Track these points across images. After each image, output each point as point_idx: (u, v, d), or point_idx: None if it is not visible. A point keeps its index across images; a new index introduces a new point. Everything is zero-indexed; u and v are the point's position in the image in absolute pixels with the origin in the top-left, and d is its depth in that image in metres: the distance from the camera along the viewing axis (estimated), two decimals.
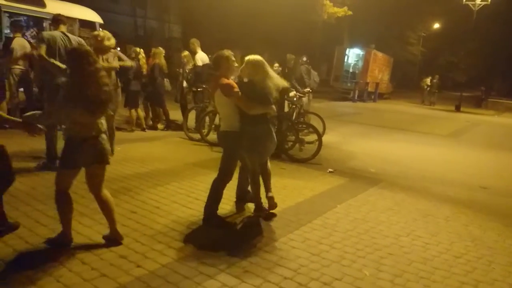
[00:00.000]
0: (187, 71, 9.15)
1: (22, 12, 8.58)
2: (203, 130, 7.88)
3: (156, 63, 8.53)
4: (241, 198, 4.63)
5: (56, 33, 5.16)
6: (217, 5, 27.33)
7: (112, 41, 5.91)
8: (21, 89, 7.77)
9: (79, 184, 4.76)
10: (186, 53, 9.35)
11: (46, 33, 5.27)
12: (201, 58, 8.68)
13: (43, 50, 4.99)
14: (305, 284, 3.05)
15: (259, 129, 4.08)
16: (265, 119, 4.16)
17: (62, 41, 5.12)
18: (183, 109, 9.12)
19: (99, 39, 5.74)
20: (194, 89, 8.82)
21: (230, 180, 4.15)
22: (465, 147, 10.02)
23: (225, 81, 3.95)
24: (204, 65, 8.65)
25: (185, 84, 9.26)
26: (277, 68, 9.06)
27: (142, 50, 8.64)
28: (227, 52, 4.09)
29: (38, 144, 6.28)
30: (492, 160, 8.72)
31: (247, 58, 4.17)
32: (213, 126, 8.25)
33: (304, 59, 10.06)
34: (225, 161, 4.13)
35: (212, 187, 4.08)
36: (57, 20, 5.30)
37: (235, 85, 3.94)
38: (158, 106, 8.98)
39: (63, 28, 5.27)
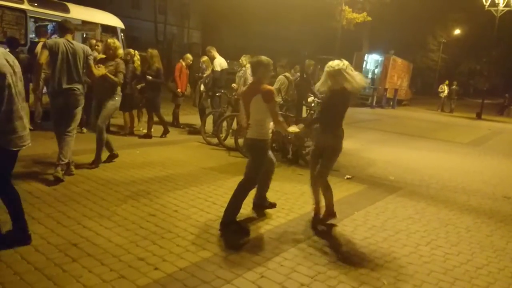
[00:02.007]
0: (204, 76, 9.23)
1: (46, 18, 8.81)
2: (221, 135, 7.92)
3: (159, 68, 8.10)
4: (259, 205, 4.59)
5: (60, 40, 5.08)
6: (237, 12, 27.55)
7: (121, 51, 6.16)
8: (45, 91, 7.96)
9: (99, 187, 4.87)
10: (205, 58, 9.44)
11: (50, 41, 5.22)
12: (220, 63, 8.75)
13: (43, 56, 5.07)
14: None
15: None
16: None
17: (65, 47, 5.01)
18: (201, 113, 9.19)
19: (113, 46, 5.88)
20: (210, 93, 8.88)
21: (254, 188, 4.23)
22: (487, 156, 9.82)
23: (268, 87, 4.00)
24: (222, 70, 8.71)
25: (202, 88, 9.34)
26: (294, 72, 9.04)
27: (137, 52, 8.48)
28: (267, 59, 4.15)
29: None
30: None
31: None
32: (230, 130, 8.30)
33: (313, 62, 9.99)
34: (253, 169, 4.13)
35: (235, 194, 4.09)
36: (63, 28, 5.18)
37: (274, 92, 4.04)
38: (155, 111, 8.34)
39: (69, 37, 5.12)
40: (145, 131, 8.32)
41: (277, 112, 4.04)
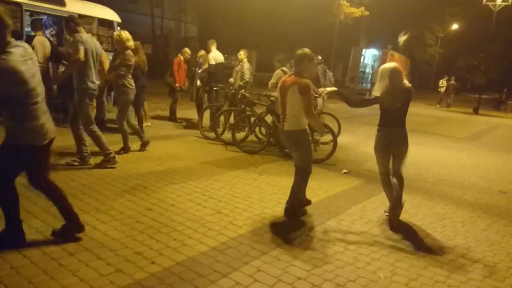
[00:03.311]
0: (200, 70, 9.20)
1: (42, 11, 8.73)
2: (218, 129, 7.91)
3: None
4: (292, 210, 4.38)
5: (87, 36, 5.31)
6: (234, 6, 27.44)
7: (132, 43, 6.22)
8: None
9: (95, 181, 4.87)
10: (202, 52, 9.41)
11: (83, 36, 5.22)
12: (214, 57, 8.71)
13: (82, 53, 5.11)
14: (319, 285, 3.04)
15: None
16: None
17: (92, 44, 5.29)
18: (198, 108, 9.18)
19: (118, 39, 6.03)
20: (207, 88, 8.85)
21: (310, 175, 4.36)
22: (483, 150, 9.85)
23: (305, 80, 4.02)
24: (218, 64, 8.67)
25: (198, 83, 9.32)
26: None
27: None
28: (311, 53, 4.17)
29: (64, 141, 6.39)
30: (511, 164, 8.54)
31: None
32: (227, 125, 8.29)
33: (319, 57, 10.03)
34: (305, 159, 4.26)
35: (295, 186, 4.30)
36: (76, 23, 5.25)
37: (312, 86, 4.07)
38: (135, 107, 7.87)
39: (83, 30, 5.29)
40: (149, 124, 8.42)
41: (310, 106, 4.02)
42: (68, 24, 5.30)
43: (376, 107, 4.43)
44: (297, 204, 4.32)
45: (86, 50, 5.14)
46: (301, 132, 4.16)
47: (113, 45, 10.20)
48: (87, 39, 5.28)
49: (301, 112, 4.06)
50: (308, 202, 4.59)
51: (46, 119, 3.15)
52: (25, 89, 2.93)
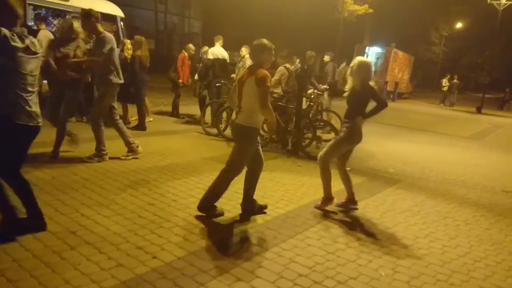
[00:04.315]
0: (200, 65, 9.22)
1: (45, 5, 8.72)
2: (220, 125, 7.90)
3: (135, 56, 7.65)
4: (248, 210, 4.19)
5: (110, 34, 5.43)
6: (238, 2, 27.34)
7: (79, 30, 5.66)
8: (45, 81, 7.91)
9: (98, 175, 4.87)
10: (205, 48, 9.40)
11: (104, 36, 5.26)
12: (213, 52, 8.70)
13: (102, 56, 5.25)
14: (320, 282, 3.03)
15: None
16: None
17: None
18: (201, 104, 9.16)
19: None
20: (205, 82, 8.84)
21: (235, 177, 4.06)
22: (487, 150, 9.81)
23: (264, 71, 3.80)
24: (215, 60, 8.64)
25: (196, 77, 9.31)
26: (296, 63, 9.02)
27: (128, 41, 8.22)
28: (270, 43, 3.96)
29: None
30: None
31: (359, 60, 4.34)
32: (230, 121, 8.28)
33: (332, 54, 10.08)
34: (238, 158, 4.00)
35: (217, 182, 4.02)
36: (97, 17, 5.29)
37: (270, 78, 3.84)
38: (133, 102, 7.94)
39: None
40: (151, 119, 8.41)
41: (266, 97, 3.76)
42: (89, 20, 5.22)
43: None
44: (207, 203, 4.00)
45: (112, 49, 5.26)
46: (248, 129, 3.91)
47: (117, 40, 10.20)
48: (111, 37, 5.33)
49: (256, 108, 3.83)
50: (262, 209, 4.29)
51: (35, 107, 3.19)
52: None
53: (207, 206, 4.00)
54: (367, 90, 4.29)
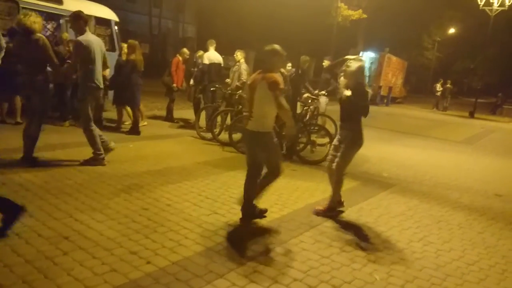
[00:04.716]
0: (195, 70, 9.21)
1: (39, 9, 8.68)
2: (215, 130, 7.90)
3: (130, 60, 7.65)
4: (248, 214, 4.17)
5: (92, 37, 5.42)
6: (232, 7, 27.44)
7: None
8: None
9: (91, 180, 4.84)
10: (200, 53, 9.40)
11: (86, 37, 5.26)
12: (209, 57, 8.70)
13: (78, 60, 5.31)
14: (315, 286, 3.03)
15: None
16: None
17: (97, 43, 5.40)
18: (195, 108, 9.15)
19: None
20: (200, 87, 8.84)
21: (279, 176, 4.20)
22: (479, 154, 9.88)
23: (275, 75, 3.83)
24: (211, 64, 8.65)
25: (191, 82, 9.31)
26: (290, 68, 9.05)
27: (125, 45, 8.16)
28: (281, 49, 3.98)
29: (53, 139, 6.38)
30: (507, 167, 8.58)
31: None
32: (224, 125, 8.28)
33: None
34: (272, 159, 4.09)
35: (262, 182, 4.16)
36: (84, 19, 5.31)
37: (282, 81, 3.88)
38: (127, 105, 8.01)
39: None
40: (145, 123, 8.40)
41: (281, 100, 3.80)
42: (77, 23, 5.24)
43: (373, 109, 4.43)
44: (251, 204, 4.13)
45: (91, 50, 5.20)
46: (265, 134, 3.96)
47: (111, 44, 10.19)
48: (92, 39, 5.29)
49: (268, 113, 3.91)
50: (263, 213, 4.31)
51: None
52: None
53: (252, 211, 4.15)
54: (360, 92, 4.30)
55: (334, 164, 4.51)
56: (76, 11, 5.40)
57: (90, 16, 9.66)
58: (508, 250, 4.11)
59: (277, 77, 3.84)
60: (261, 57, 4.04)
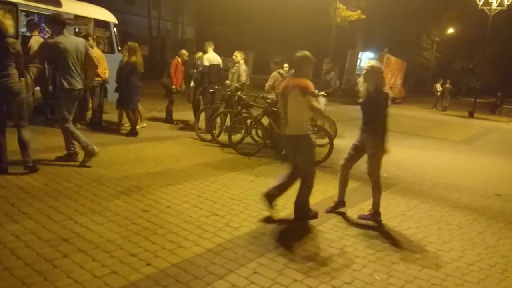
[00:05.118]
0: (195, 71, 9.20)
1: (38, 11, 8.69)
2: (214, 131, 7.90)
3: (130, 62, 7.58)
4: (304, 217, 4.36)
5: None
6: (231, 8, 27.48)
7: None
8: (37, 88, 7.88)
9: (91, 182, 4.83)
10: (199, 54, 9.39)
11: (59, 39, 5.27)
12: (209, 58, 8.70)
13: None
14: (315, 287, 3.02)
15: None
16: None
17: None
18: (195, 109, 9.15)
19: None
20: (201, 89, 8.84)
21: (314, 179, 4.34)
22: (479, 154, 9.89)
23: (306, 80, 4.04)
24: (211, 66, 8.66)
25: (192, 84, 9.30)
26: (287, 69, 9.04)
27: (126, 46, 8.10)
28: (311, 55, 4.18)
29: (52, 141, 6.39)
30: (507, 167, 8.58)
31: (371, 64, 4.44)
32: (224, 127, 8.28)
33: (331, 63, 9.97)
34: (307, 163, 4.26)
35: (301, 193, 4.28)
36: (60, 21, 5.31)
37: (312, 85, 4.06)
38: (126, 107, 7.84)
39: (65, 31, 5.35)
40: (144, 125, 8.37)
41: (314, 103, 4.03)
42: (55, 26, 5.33)
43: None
44: (303, 212, 4.31)
45: (62, 52, 5.18)
46: (304, 137, 4.16)
47: (110, 46, 10.20)
48: (66, 40, 5.26)
49: (304, 116, 4.10)
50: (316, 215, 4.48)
51: None
52: None
53: (304, 213, 4.28)
54: (381, 95, 4.32)
55: (367, 171, 4.53)
56: (53, 14, 5.48)
57: (89, 18, 9.68)
58: (508, 250, 4.11)
59: (308, 82, 4.05)
60: (292, 63, 4.19)
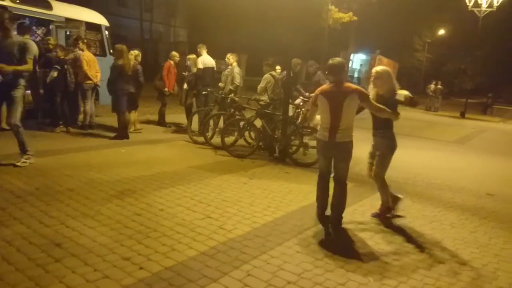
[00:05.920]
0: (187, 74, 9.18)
1: (28, 14, 8.64)
2: (207, 134, 7.88)
3: (117, 65, 7.51)
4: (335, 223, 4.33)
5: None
6: (224, 10, 27.49)
7: None
8: (28, 91, 7.81)
9: (83, 185, 4.80)
10: (192, 56, 9.38)
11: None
12: (203, 61, 8.69)
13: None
14: None
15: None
16: None
17: None
18: (187, 112, 9.13)
19: None
20: (195, 91, 8.82)
21: None
22: (471, 154, 9.95)
23: (358, 87, 4.18)
24: (206, 69, 8.64)
25: (185, 86, 9.28)
26: (279, 70, 9.05)
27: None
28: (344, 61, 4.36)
29: (42, 145, 6.35)
30: (498, 167, 8.65)
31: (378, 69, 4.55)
32: (217, 129, 8.27)
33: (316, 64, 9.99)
34: (347, 170, 4.34)
35: (340, 199, 4.30)
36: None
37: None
38: (115, 111, 7.76)
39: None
40: (132, 129, 8.29)
41: (376, 104, 4.20)
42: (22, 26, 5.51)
43: (365, 110, 4.45)
44: (339, 217, 4.33)
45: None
46: (351, 143, 4.23)
47: (101, 49, 10.15)
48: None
49: (353, 121, 4.18)
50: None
51: None
52: None
53: (339, 221, 4.30)
54: (395, 100, 4.42)
55: (372, 173, 4.67)
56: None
57: (80, 21, 9.64)
58: (500, 249, 4.14)
59: (360, 87, 4.21)
60: (330, 70, 4.28)
